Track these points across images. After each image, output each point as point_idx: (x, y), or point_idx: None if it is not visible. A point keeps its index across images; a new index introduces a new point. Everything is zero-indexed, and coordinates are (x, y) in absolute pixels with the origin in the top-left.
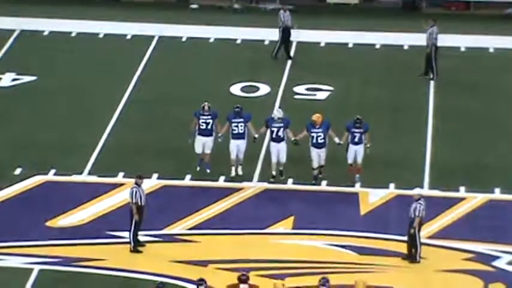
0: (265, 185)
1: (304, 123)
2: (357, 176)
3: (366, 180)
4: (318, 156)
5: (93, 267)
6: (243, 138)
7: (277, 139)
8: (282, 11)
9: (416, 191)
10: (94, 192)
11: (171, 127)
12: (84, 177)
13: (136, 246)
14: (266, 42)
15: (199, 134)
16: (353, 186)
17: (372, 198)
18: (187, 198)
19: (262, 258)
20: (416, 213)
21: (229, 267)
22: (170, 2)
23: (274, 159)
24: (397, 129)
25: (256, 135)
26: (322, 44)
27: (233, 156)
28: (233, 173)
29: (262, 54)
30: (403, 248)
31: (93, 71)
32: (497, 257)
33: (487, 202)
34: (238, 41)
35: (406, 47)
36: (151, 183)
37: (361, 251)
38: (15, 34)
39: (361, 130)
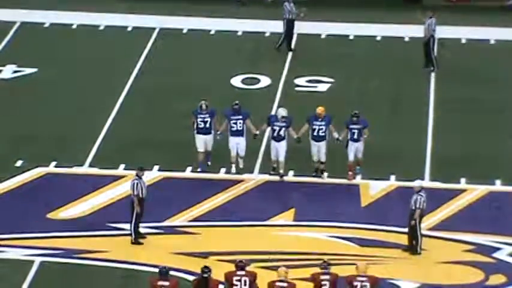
0: (266, 177)
1: (304, 115)
2: (358, 167)
3: (366, 172)
4: (317, 151)
5: (94, 259)
6: (242, 135)
7: (278, 138)
8: (286, 3)
9: (417, 183)
10: (95, 184)
11: (172, 119)
12: (85, 169)
13: (137, 238)
14: (267, 34)
15: (198, 132)
16: (354, 178)
17: (373, 190)
18: (188, 190)
19: (263, 250)
20: (417, 205)
21: (229, 259)
22: None
23: (273, 158)
24: (398, 121)
25: (257, 132)
26: (323, 36)
27: (233, 153)
28: (233, 170)
29: (263, 46)
30: (404, 240)
31: (94, 63)
32: (498, 249)
33: (487, 194)
34: (239, 33)
35: (407, 39)
36: (152, 175)
37: (361, 242)
38: (15, 26)
39: (359, 126)
